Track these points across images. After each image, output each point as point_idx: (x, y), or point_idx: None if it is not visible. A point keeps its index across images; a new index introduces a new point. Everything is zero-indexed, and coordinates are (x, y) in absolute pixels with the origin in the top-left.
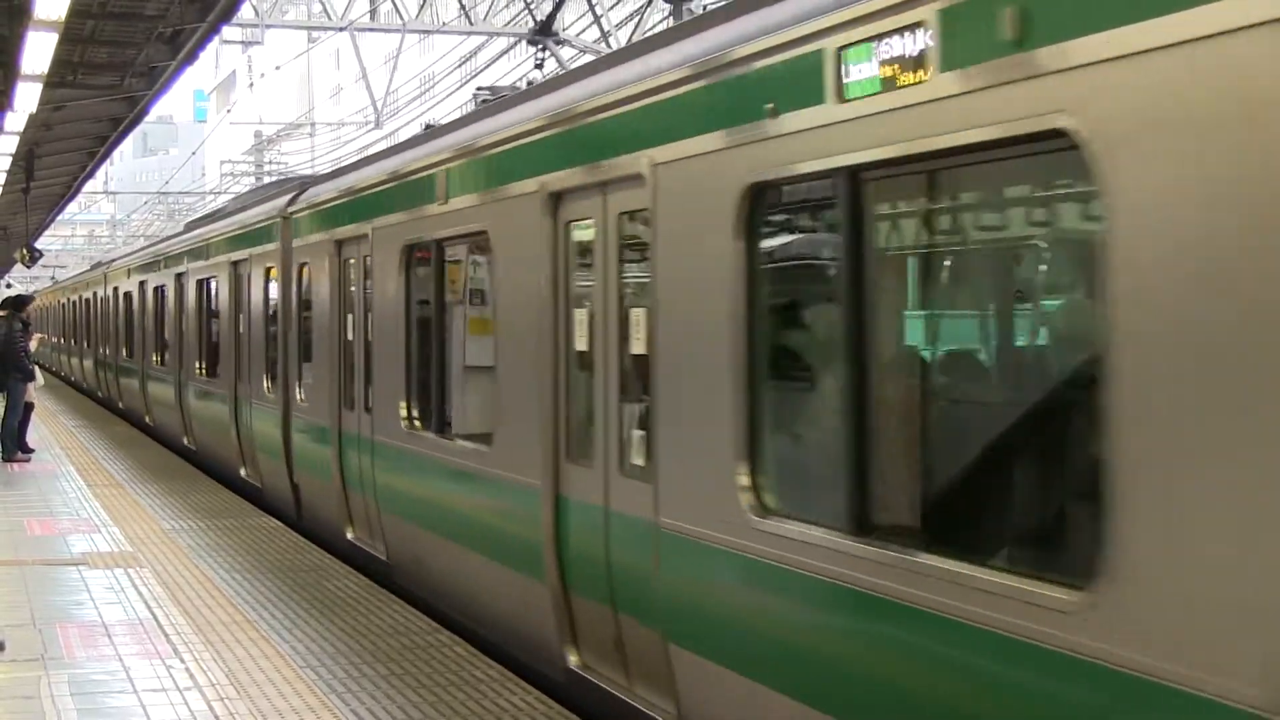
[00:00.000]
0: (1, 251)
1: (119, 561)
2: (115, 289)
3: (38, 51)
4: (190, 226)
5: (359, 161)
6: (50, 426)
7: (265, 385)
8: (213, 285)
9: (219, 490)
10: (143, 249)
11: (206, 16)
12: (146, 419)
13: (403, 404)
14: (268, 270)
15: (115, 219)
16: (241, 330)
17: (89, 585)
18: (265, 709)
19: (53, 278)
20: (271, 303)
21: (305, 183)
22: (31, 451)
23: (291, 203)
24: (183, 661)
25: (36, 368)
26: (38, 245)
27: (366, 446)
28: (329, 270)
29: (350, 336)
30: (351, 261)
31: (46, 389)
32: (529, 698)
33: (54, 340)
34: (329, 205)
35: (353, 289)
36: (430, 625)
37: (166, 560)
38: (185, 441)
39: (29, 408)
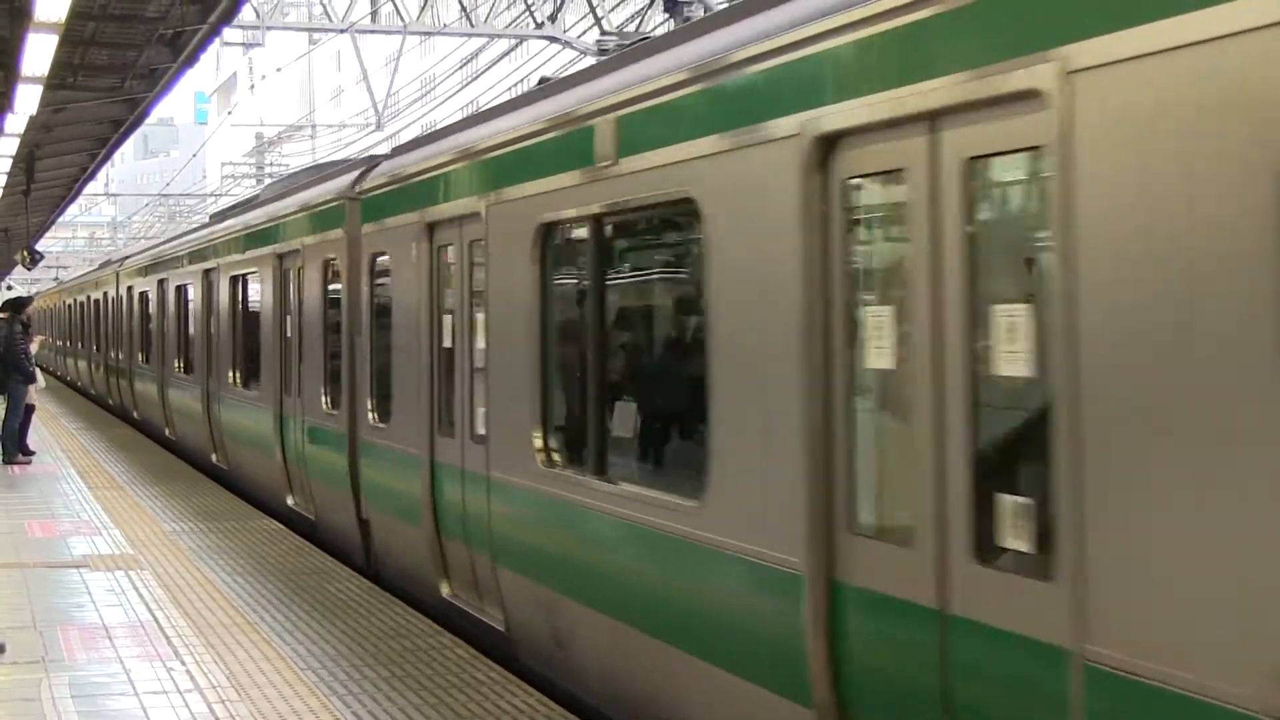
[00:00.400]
0: (2, 253)
1: (120, 564)
2: (129, 288)
3: (38, 53)
4: (218, 218)
5: (458, 124)
6: (51, 429)
7: (324, 401)
8: (250, 282)
9: (220, 492)
10: (162, 244)
11: (207, 18)
12: (167, 431)
13: (537, 433)
14: (326, 263)
15: (116, 221)
16: (289, 334)
17: (90, 587)
18: (266, 711)
19: (56, 278)
20: (332, 301)
21: (374, 158)
22: (32, 454)
23: (360, 180)
24: (183, 664)
25: (38, 369)
26: (38, 247)
27: (477, 485)
28: (418, 260)
29: (449, 343)
30: (451, 248)
31: (48, 391)
32: (530, 699)
33: (59, 343)
34: (418, 180)
35: (453, 283)
36: (431, 628)
37: (167, 562)
38: (214, 459)
39: (30, 410)
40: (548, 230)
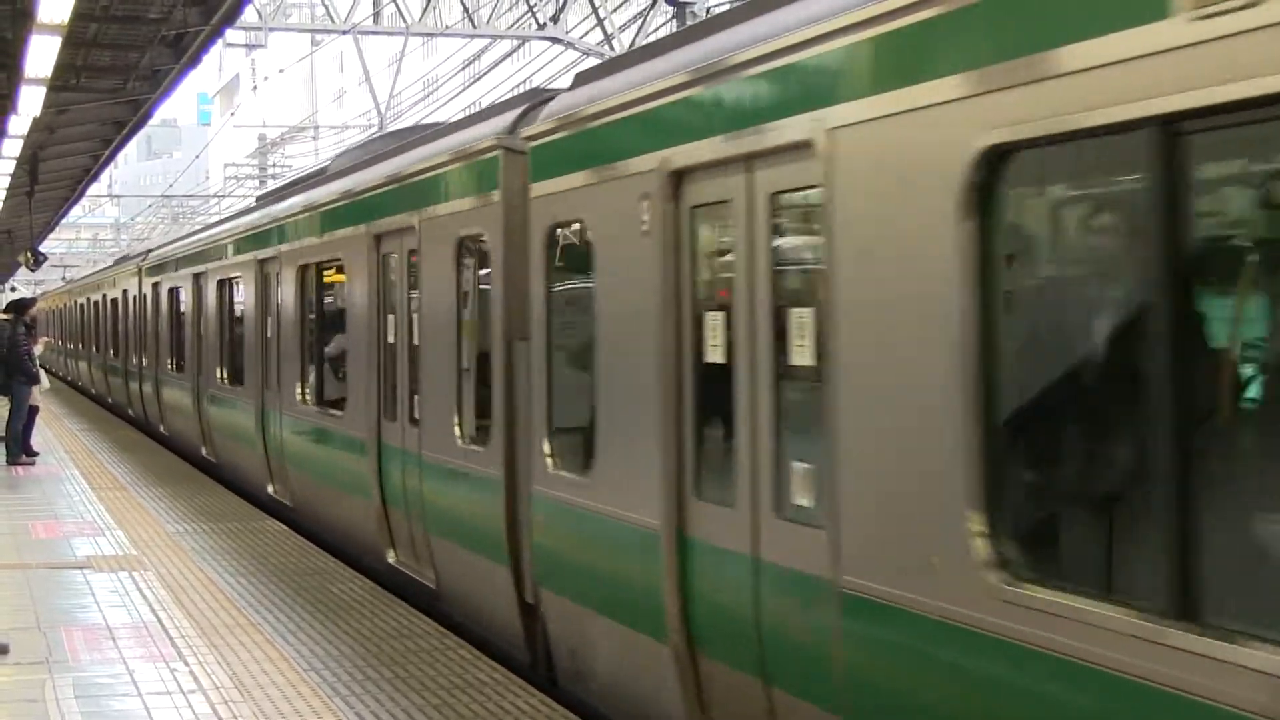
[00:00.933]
0: (5, 255)
1: (123, 565)
2: (155, 285)
3: (41, 55)
4: (268, 199)
5: (718, 19)
6: (54, 430)
7: (456, 433)
8: (325, 272)
9: (222, 493)
10: (198, 232)
11: (210, 19)
12: (204, 451)
13: (978, 522)
14: (463, 241)
15: (119, 222)
16: (393, 340)
17: (93, 588)
18: (269, 711)
19: (64, 277)
20: (466, 295)
21: (542, 92)
22: (36, 455)
23: (523, 122)
24: (187, 664)
25: (42, 370)
26: (42, 248)
27: (796, 592)
28: (653, 229)
29: (719, 357)
30: (721, 207)
31: (52, 393)
32: (533, 700)
33: (69, 347)
34: (652, 107)
35: (727, 264)
36: (434, 628)
37: (171, 563)
38: (271, 490)
39: (33, 411)
40: (1000, 159)
